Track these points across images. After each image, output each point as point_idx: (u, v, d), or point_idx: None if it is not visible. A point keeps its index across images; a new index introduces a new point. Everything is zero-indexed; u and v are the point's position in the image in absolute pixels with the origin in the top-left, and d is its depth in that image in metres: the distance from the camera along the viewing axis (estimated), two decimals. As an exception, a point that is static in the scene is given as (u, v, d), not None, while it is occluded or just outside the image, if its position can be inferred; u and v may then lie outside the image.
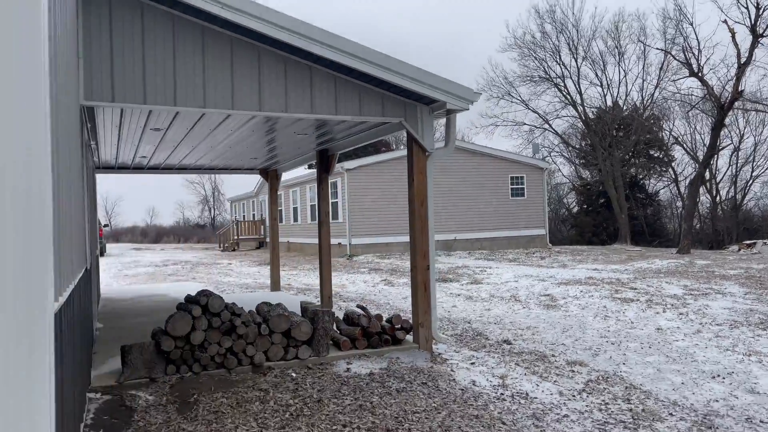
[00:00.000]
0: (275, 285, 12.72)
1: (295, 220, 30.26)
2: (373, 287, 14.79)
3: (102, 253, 30.29)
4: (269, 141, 8.75)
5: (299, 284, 15.61)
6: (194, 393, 5.27)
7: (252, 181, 36.59)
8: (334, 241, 24.59)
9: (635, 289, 12.70)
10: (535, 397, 5.61)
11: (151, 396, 5.19)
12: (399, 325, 6.83)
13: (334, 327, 7.00)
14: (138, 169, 11.77)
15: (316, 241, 27.14)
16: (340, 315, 8.09)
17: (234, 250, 34.94)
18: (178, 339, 5.73)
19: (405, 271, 18.47)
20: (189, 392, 5.30)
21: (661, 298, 11.44)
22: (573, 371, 6.52)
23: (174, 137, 8.09)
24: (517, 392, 5.72)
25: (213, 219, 76.15)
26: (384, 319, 6.95)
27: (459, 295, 12.93)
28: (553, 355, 7.15)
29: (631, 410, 5.20)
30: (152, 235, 73.45)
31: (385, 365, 6.21)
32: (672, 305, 10.56)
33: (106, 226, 35.94)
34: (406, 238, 25.14)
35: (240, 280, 17.01)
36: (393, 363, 6.28)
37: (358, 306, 6.94)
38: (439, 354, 6.89)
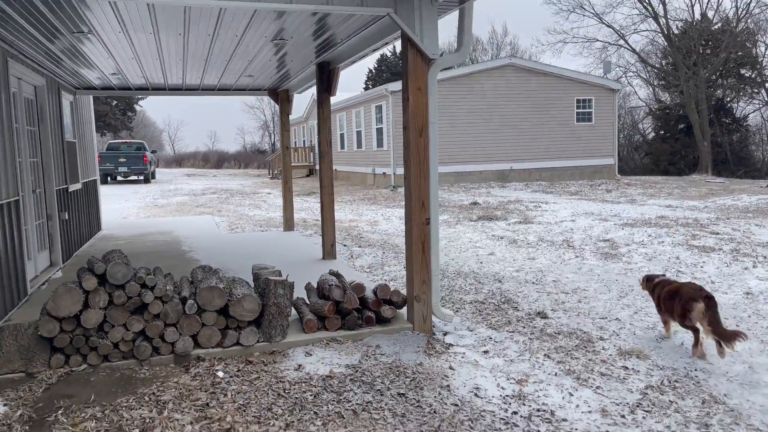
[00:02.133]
0: (288, 224, 11.15)
1: (342, 147, 28.54)
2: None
3: (148, 180, 29.75)
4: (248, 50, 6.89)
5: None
6: (63, 404, 3.73)
7: (304, 104, 34.87)
8: (378, 170, 22.83)
9: (717, 234, 10.37)
10: (564, 420, 3.79)
11: (4, 406, 3.69)
12: (387, 298, 5.05)
13: (307, 300, 5.31)
14: (142, 89, 10.17)
15: (362, 169, 25.46)
16: (353, 276, 6.42)
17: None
18: (65, 321, 4.18)
19: (449, 205, 16.58)
20: (57, 401, 3.77)
21: (751, 247, 9.13)
22: (626, 368, 4.62)
23: (174, 48, 6.51)
24: (539, 409, 3.90)
25: (273, 144, 75.51)
26: (369, 289, 5.18)
27: (502, 238, 10.99)
28: (601, 339, 5.24)
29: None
30: (214, 160, 73.85)
31: (357, 359, 4.48)
32: (765, 258, 8.30)
33: (153, 152, 35.33)
34: (455, 168, 23.03)
35: (267, 215, 15.60)
36: (368, 356, 4.54)
37: (331, 272, 5.15)
38: (442, 337, 5.10)
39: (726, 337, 4.54)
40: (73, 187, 9.13)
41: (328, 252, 8.10)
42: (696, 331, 4.76)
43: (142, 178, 29.68)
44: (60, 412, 3.61)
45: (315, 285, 5.25)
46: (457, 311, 6.01)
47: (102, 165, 28.79)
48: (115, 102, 42.66)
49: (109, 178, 29.63)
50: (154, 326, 4.31)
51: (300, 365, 4.30)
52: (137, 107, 50.41)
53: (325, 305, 4.81)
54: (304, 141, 37.19)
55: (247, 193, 23.19)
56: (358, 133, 25.75)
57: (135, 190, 25.04)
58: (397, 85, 22.08)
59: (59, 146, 8.47)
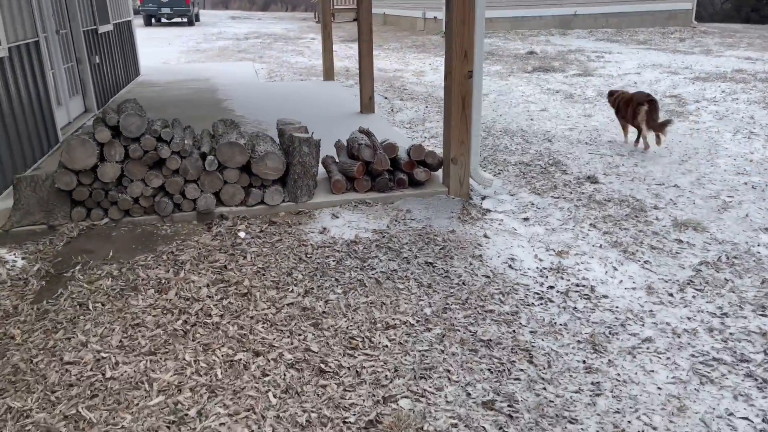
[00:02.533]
0: (327, 73, 10.58)
1: (391, -12, 26.62)
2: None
3: (191, 23, 28.87)
4: None
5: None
6: (81, 259, 3.65)
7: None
8: (429, 14, 21.40)
9: (802, 93, 9.34)
10: (605, 296, 3.51)
11: (23, 259, 3.63)
12: (421, 159, 4.67)
13: (337, 159, 4.97)
14: None
15: (411, 13, 23.84)
16: (389, 133, 6.02)
17: (332, 20, 32.22)
18: (82, 174, 3.99)
19: (503, 54, 15.50)
20: (76, 256, 3.69)
21: (840, 110, 8.20)
22: (680, 241, 4.25)
23: None
24: (577, 284, 3.63)
25: (321, -15, 71.72)
26: (403, 149, 4.78)
27: (557, 92, 10.22)
28: (655, 208, 4.81)
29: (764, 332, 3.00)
30: (260, 2, 71.16)
31: (385, 224, 4.21)
32: None
33: (198, -8, 33.99)
34: (511, 12, 21.27)
35: (309, 62, 14.96)
36: (397, 220, 4.27)
37: (361, 130, 4.74)
38: (479, 203, 4.75)
39: (658, 127, 5.97)
40: (103, 29, 8.70)
41: (366, 105, 7.63)
42: (640, 129, 6.18)
43: (185, 20, 28.77)
44: (77, 267, 3.53)
45: (345, 143, 4.88)
46: (498, 174, 5.61)
47: (144, 6, 27.95)
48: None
49: (153, 20, 28.86)
50: (174, 182, 4.10)
51: (325, 228, 4.08)
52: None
53: (354, 166, 4.48)
54: (352, -19, 34.90)
55: (291, 38, 22.28)
56: (409, -27, 23.84)
57: (178, 33, 24.38)
58: None
59: (84, -17, 7.93)
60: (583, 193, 5.14)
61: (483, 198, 4.89)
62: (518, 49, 16.57)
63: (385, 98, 9.43)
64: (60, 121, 6.52)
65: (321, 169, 4.58)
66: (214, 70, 12.68)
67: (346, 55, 16.04)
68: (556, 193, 5.12)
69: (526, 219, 4.53)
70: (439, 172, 4.90)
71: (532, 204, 4.85)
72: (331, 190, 4.55)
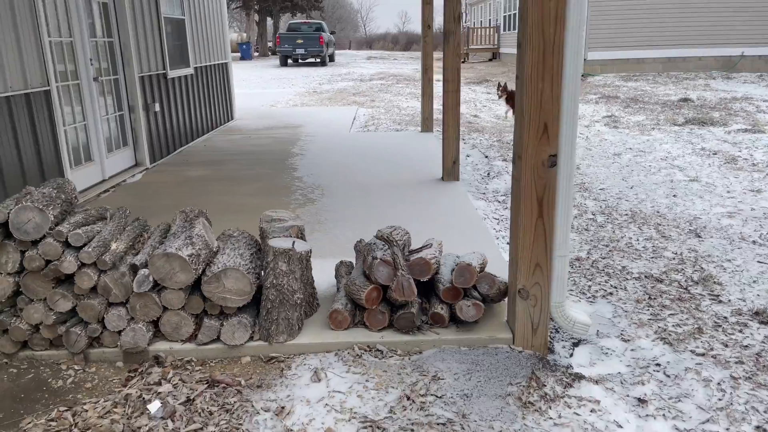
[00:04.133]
0: (426, 123, 9.13)
1: (513, 27, 24.85)
2: (586, 128, 10.31)
3: (324, 63, 28.97)
4: None
5: (480, 119, 11.68)
6: None
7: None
8: (567, 55, 19.32)
9: None
10: None
11: None
12: (468, 286, 2.98)
13: (355, 265, 3.43)
14: None
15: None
16: (459, 216, 4.45)
17: (464, 61, 31.04)
18: (-41, 289, 2.80)
19: (648, 101, 13.18)
20: None
21: None
22: None
23: None
24: None
25: (464, 26, 71.56)
26: (446, 268, 3.12)
27: (715, 153, 7.97)
28: None
29: None
30: (402, 42, 72.34)
31: (388, 405, 2.57)
32: None
33: (333, 33, 34.30)
34: (668, 53, 18.57)
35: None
36: (413, 397, 2.60)
37: (381, 236, 3.10)
38: (567, 359, 2.96)
39: None
40: (176, 73, 7.94)
41: (449, 171, 6.03)
42: None
43: (318, 60, 28.92)
44: None
45: (378, 239, 3.29)
46: (609, 295, 3.75)
47: (280, 47, 28.49)
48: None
49: (289, 61, 29.34)
50: (87, 306, 2.78)
51: (283, 409, 2.51)
52: (328, -14, 49.48)
53: (363, 290, 2.91)
54: (489, 20, 33.61)
55: (416, 78, 21.22)
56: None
57: (307, 74, 24.32)
58: (598, -52, 17.87)
59: (151, 23, 7.18)
60: (746, 346, 3.16)
61: (574, 345, 3.09)
62: (669, 95, 14.12)
63: (486, 157, 7.76)
64: (84, 180, 5.64)
65: (302, 294, 3.05)
66: (313, 115, 11.74)
67: (465, 99, 14.52)
68: (700, 343, 3.18)
69: (641, 402, 2.68)
70: (504, 306, 3.18)
71: (658, 366, 2.97)
72: (329, 324, 3.00)
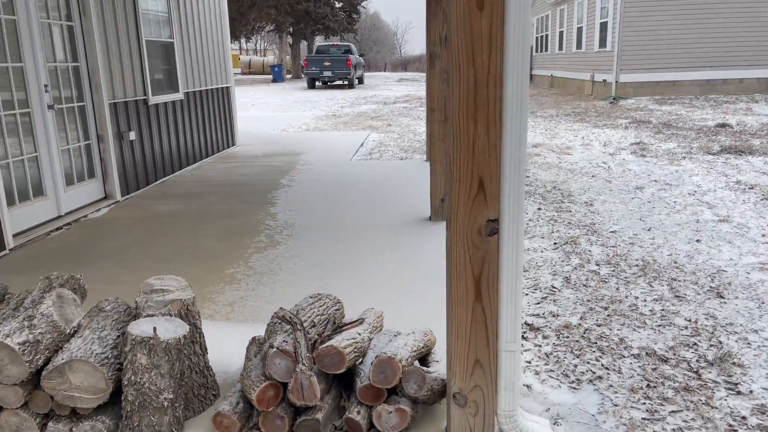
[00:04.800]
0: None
1: (559, 47, 24.08)
2: (611, 156, 9.50)
3: (351, 85, 28.64)
4: None
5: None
6: None
7: None
8: (598, 77, 18.55)
9: None
10: None
11: None
12: (392, 386, 2.29)
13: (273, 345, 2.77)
14: None
15: (579, 75, 20.98)
16: (438, 269, 3.82)
17: (495, 83, 30.25)
18: None
19: (683, 127, 12.26)
20: None
21: None
22: None
23: None
24: None
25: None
26: (370, 356, 2.44)
27: (752, 188, 7.13)
28: None
29: None
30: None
31: None
32: None
33: (362, 55, 34.04)
34: (707, 74, 17.50)
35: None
36: None
37: (281, 315, 2.40)
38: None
39: None
40: (161, 99, 7.49)
41: (437, 210, 5.36)
42: None
43: (346, 82, 28.61)
44: None
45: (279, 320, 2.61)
46: (597, 380, 2.99)
47: (307, 69, 28.28)
48: (340, 4, 41.97)
49: (316, 83, 29.12)
50: None
51: None
52: (362, 8, 49.47)
53: (255, 389, 2.25)
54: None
55: (441, 101, 20.59)
56: (579, 30, 21.17)
57: (331, 96, 23.98)
58: (631, -35, 17.05)
59: (129, 47, 6.75)
60: (769, 468, 2.37)
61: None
62: (706, 120, 13.15)
63: (490, 192, 7.06)
64: (32, 218, 5.15)
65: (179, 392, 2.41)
66: (320, 141, 11.20)
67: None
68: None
69: None
70: (443, 409, 2.48)
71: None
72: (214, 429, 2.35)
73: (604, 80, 18.36)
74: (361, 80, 31.71)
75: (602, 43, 18.56)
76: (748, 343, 3.38)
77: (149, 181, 7.19)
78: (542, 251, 4.96)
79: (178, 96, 8.04)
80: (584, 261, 4.71)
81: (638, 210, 6.31)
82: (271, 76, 38.44)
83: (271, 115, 17.40)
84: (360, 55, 32.53)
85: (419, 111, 17.33)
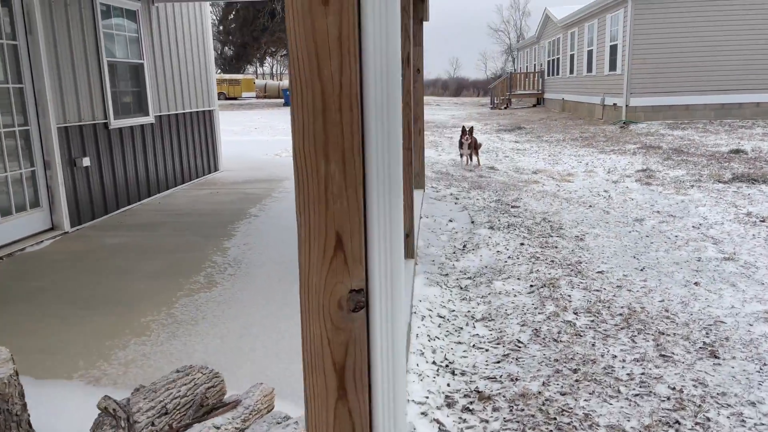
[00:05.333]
0: (417, 179, 7.92)
1: (570, 71, 23.57)
2: (614, 184, 8.91)
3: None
4: None
5: (495, 172, 10.38)
6: None
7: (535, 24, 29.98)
8: (608, 101, 17.99)
9: None
10: None
11: None
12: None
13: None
14: None
15: (590, 99, 20.41)
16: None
17: (506, 107, 29.87)
18: None
19: (694, 153, 11.62)
20: None
21: None
22: None
23: None
24: None
25: (512, 71, 71.07)
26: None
27: (763, 220, 6.48)
28: None
29: None
30: (452, 88, 72.10)
31: None
32: None
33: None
34: (722, 98, 16.81)
35: (438, 158, 12.50)
36: None
37: (104, 408, 1.86)
38: None
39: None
40: (125, 123, 7.07)
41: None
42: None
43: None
44: None
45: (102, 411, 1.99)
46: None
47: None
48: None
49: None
50: None
51: None
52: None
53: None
54: (534, 65, 32.45)
55: (446, 126, 20.15)
56: (589, 53, 20.66)
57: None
58: (640, -14, 16.56)
59: (87, 69, 6.35)
60: None
61: None
62: (719, 146, 12.49)
63: (471, 222, 6.47)
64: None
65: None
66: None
67: (489, 149, 13.28)
68: None
69: None
70: None
71: None
72: None
73: (615, 104, 17.77)
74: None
75: (612, 65, 18.01)
76: (743, 421, 2.76)
77: (108, 210, 6.73)
78: (515, 295, 4.36)
79: (148, 119, 7.62)
80: (560, 308, 4.10)
81: (633, 246, 5.70)
82: (282, 100, 38.43)
83: (271, 139, 17.04)
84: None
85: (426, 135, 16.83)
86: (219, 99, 46.37)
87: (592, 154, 12.36)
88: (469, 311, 4.08)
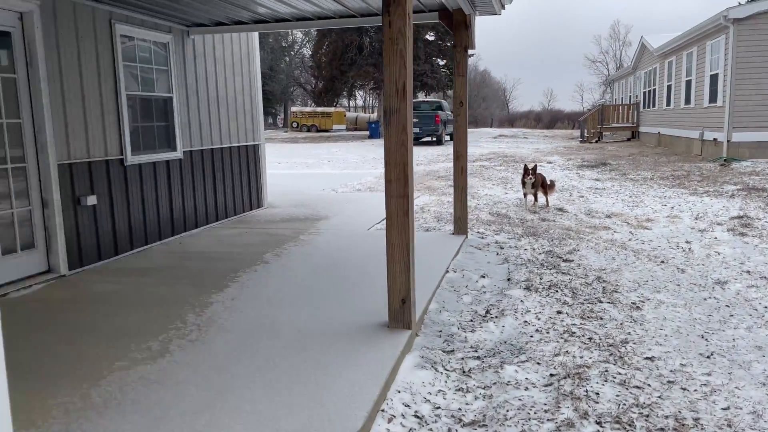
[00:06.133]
0: (459, 223, 7.06)
1: (667, 103, 21.74)
2: (700, 233, 7.63)
3: (440, 142, 27.71)
4: None
5: (562, 214, 9.26)
6: None
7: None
8: (708, 135, 16.24)
9: None
10: None
11: None
12: None
13: None
14: (239, 23, 7.41)
15: (688, 133, 18.51)
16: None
17: (597, 140, 28.14)
18: None
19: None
20: None
21: None
22: None
23: None
24: None
25: (607, 102, 68.10)
26: None
27: None
28: None
29: None
30: (546, 120, 69.95)
31: None
32: None
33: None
34: (760, 135, 14.76)
35: (506, 196, 11.52)
36: None
37: None
38: None
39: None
40: (146, 158, 6.73)
41: (395, 315, 3.94)
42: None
43: (434, 139, 27.70)
44: None
45: None
46: None
47: (395, 125, 27.64)
48: (443, 62, 41.45)
49: (405, 139, 28.40)
50: None
51: None
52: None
53: None
54: (630, 97, 30.51)
55: (528, 159, 18.98)
56: (687, 84, 18.90)
57: (413, 153, 23.00)
58: (743, 10, 14.88)
59: (101, 103, 6.05)
60: None
61: None
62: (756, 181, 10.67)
63: (508, 280, 5.49)
64: None
65: None
66: (356, 204, 10.11)
67: (564, 187, 12.11)
68: None
69: None
70: None
71: None
72: None
73: (715, 139, 15.98)
74: (452, 137, 30.65)
75: (712, 97, 16.26)
76: None
77: (120, 251, 6.35)
78: (526, 388, 3.40)
79: (174, 155, 7.26)
80: (580, 414, 3.10)
81: (706, 319, 4.54)
82: (368, 132, 38.46)
83: (339, 173, 16.64)
84: (451, 112, 31.56)
85: (493, 171, 15.85)
86: (311, 131, 47.44)
87: (681, 195, 10.91)
88: (459, 409, 3.18)
